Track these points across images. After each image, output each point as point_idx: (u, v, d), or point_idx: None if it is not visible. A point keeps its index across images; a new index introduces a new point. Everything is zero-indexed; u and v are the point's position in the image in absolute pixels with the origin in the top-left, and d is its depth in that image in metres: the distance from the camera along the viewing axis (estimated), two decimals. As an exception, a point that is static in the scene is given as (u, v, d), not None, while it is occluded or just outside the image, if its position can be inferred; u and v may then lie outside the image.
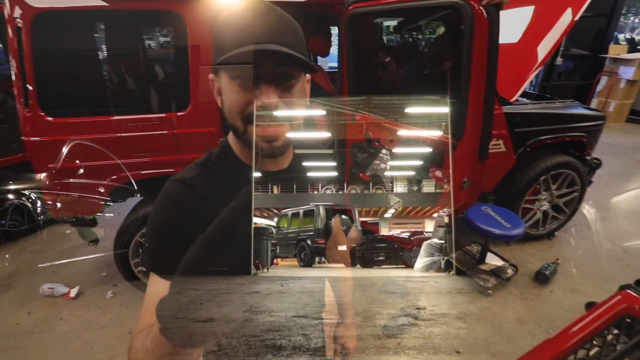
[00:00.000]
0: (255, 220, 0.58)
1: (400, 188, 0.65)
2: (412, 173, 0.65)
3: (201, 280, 0.57)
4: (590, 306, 1.21)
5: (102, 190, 2.21)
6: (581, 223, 3.33)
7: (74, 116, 2.14)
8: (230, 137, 0.77)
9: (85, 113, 2.16)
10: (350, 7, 2.17)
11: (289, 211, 0.63)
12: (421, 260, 0.62)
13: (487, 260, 2.67)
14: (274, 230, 0.62)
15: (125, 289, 2.59)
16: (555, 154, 2.88)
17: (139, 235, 2.35)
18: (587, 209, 3.23)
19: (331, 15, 2.46)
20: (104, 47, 2.26)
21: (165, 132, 2.22)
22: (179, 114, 2.22)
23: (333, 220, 0.63)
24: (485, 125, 1.70)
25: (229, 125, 0.70)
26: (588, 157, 3.04)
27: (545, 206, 3.02)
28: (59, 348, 2.17)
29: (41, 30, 1.95)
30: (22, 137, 2.10)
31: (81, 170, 2.13)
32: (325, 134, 0.67)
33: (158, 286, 0.65)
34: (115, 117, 2.17)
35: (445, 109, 0.64)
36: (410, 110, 0.69)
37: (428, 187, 0.64)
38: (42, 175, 2.94)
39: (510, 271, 2.62)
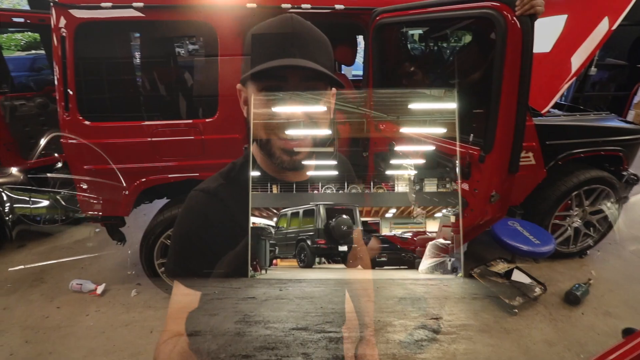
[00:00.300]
0: (253, 220, 0.58)
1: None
2: (436, 184, 0.64)
3: (196, 283, 0.55)
4: (628, 333, 1.13)
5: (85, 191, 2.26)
6: (615, 241, 3.15)
7: (109, 121, 2.24)
8: (254, 148, 0.77)
9: (120, 118, 2.26)
10: (378, 17, 2.17)
11: (289, 211, 0.62)
12: (426, 262, 0.60)
13: (513, 278, 2.57)
14: (273, 230, 0.61)
15: (148, 288, 2.66)
16: (589, 169, 2.77)
17: (164, 237, 2.42)
18: (622, 227, 3.06)
19: (357, 25, 2.47)
20: (139, 55, 2.37)
21: (193, 137, 2.29)
22: (207, 120, 2.28)
23: (354, 232, 0.62)
24: (516, 138, 1.64)
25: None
26: (625, 173, 2.90)
27: (577, 223, 2.89)
28: (84, 343, 2.24)
29: (83, 39, 2.07)
30: (61, 140, 2.21)
31: (59, 164, 2.18)
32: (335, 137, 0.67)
33: (182, 295, 0.65)
34: (147, 123, 2.26)
35: (453, 105, 0.65)
36: (418, 106, 0.68)
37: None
38: (14, 170, 3.01)
39: (538, 290, 2.51)
